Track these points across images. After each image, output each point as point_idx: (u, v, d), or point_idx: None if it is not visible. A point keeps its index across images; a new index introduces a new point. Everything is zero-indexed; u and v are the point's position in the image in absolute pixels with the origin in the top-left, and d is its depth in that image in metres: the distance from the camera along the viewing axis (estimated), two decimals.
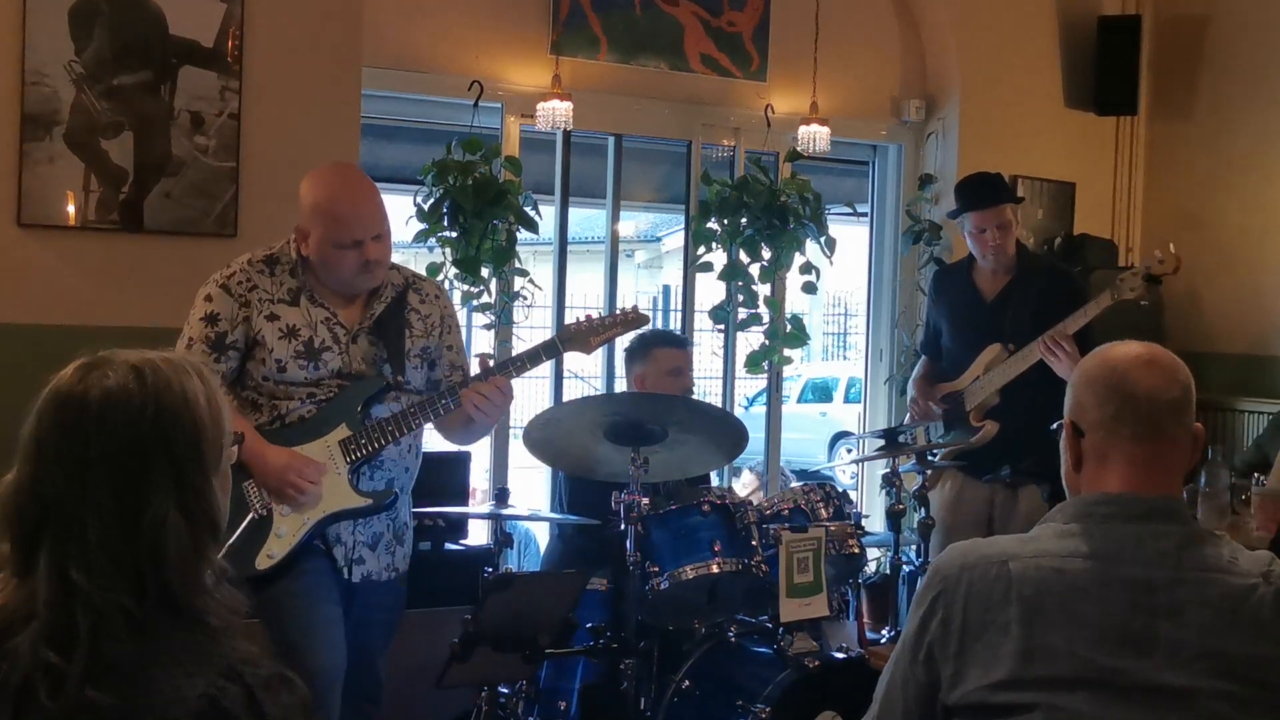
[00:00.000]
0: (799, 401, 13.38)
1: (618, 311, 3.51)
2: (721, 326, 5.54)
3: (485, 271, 4.75)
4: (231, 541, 2.68)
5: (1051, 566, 1.83)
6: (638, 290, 14.99)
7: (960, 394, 4.49)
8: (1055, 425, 2.04)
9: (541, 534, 5.05)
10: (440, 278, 4.65)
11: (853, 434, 11.99)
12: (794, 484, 5.29)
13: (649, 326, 3.85)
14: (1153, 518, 1.85)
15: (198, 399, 1.54)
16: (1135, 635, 1.77)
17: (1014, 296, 4.44)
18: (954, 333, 4.61)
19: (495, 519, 3.91)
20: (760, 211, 5.27)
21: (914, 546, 4.64)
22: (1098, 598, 1.80)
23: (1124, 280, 4.23)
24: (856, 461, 4.90)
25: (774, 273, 5.41)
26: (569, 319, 3.59)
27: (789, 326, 5.50)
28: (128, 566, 1.46)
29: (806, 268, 5.49)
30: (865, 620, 4.79)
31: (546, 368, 5.36)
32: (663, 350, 4.28)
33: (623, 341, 4.19)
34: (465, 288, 4.73)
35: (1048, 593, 1.81)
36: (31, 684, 1.40)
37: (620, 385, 4.59)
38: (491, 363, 3.29)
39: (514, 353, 4.80)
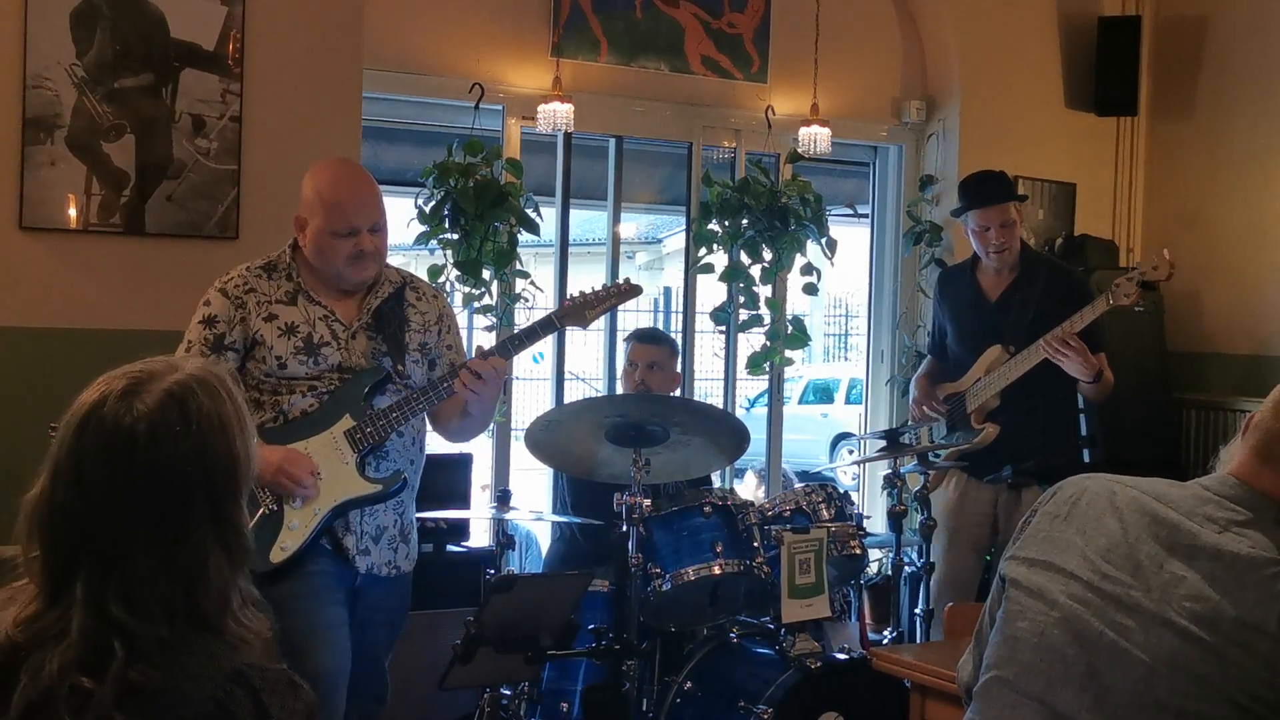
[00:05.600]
0: (800, 403, 13.36)
1: (611, 284, 3.53)
2: (723, 328, 5.54)
3: (486, 273, 4.76)
4: None
5: (1111, 488, 1.97)
6: None
7: (962, 395, 4.49)
8: None
9: (543, 535, 5.05)
10: (441, 280, 4.66)
11: (854, 435, 11.99)
12: (796, 485, 5.30)
13: (642, 326, 3.87)
14: (1238, 500, 1.89)
15: (235, 429, 1.55)
16: (1140, 559, 1.87)
17: (1016, 297, 4.44)
18: (957, 334, 4.60)
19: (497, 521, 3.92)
20: (761, 213, 5.27)
21: (915, 547, 4.64)
22: (1126, 520, 1.91)
23: (1119, 285, 4.20)
24: (858, 463, 4.90)
25: (775, 274, 5.42)
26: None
27: (790, 328, 5.50)
28: (166, 598, 1.47)
29: (807, 269, 5.49)
30: (867, 621, 4.80)
31: (548, 369, 5.39)
32: (634, 346, 4.37)
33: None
34: (467, 290, 4.73)
35: (1093, 504, 1.96)
36: (52, 703, 1.41)
37: (620, 386, 4.60)
38: (488, 346, 3.33)
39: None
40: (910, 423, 4.74)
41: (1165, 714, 1.78)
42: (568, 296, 3.50)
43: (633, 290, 3.53)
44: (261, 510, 3.07)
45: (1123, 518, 1.92)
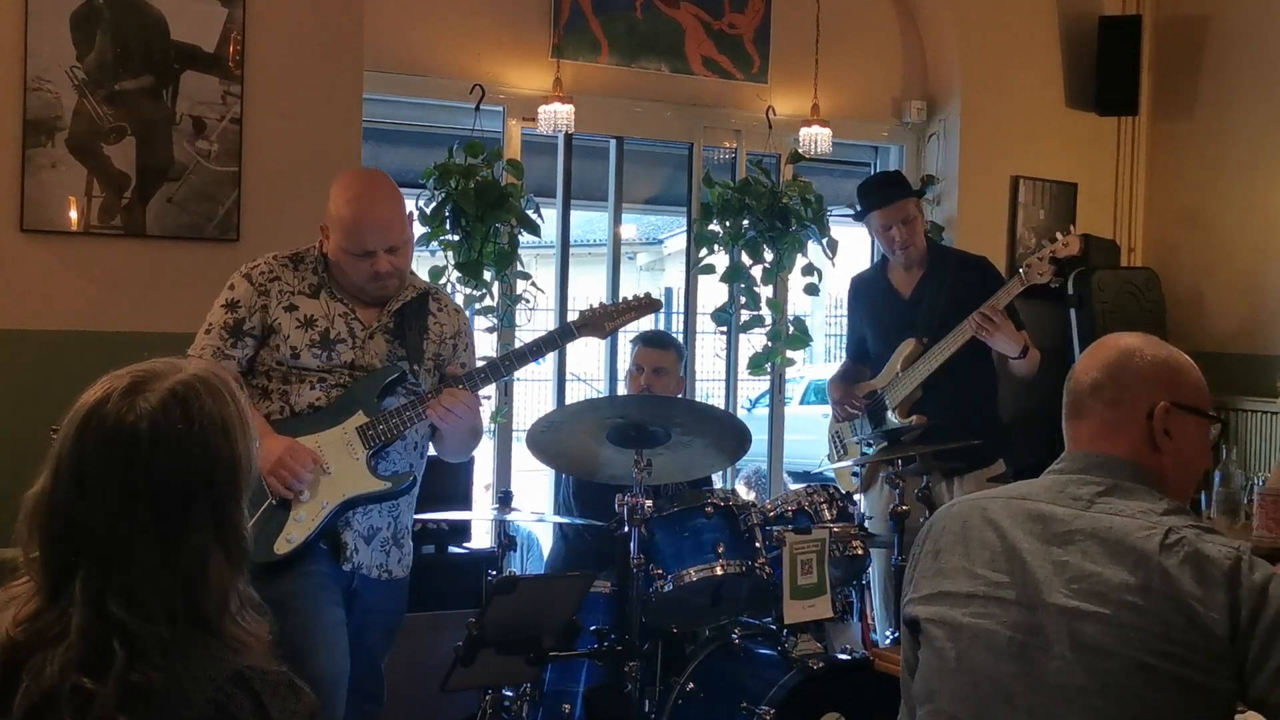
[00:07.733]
0: (802, 403, 13.33)
1: (631, 297, 3.54)
2: (724, 328, 5.54)
3: (488, 275, 4.76)
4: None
5: (980, 505, 2.03)
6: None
7: (879, 392, 4.54)
8: None
9: (545, 537, 5.05)
10: (442, 281, 4.67)
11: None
12: (790, 486, 5.30)
13: (647, 329, 3.87)
14: (1088, 470, 1.98)
15: (237, 431, 1.55)
16: (1023, 557, 1.93)
17: (926, 290, 4.52)
18: (877, 334, 4.66)
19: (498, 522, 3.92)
20: (762, 213, 5.27)
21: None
22: (1001, 527, 1.97)
23: (1031, 265, 4.31)
24: (858, 463, 4.90)
25: (776, 274, 5.42)
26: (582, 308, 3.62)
27: (791, 328, 5.50)
28: (166, 598, 1.47)
29: (809, 269, 5.49)
30: (869, 622, 4.79)
31: (549, 370, 5.39)
32: (640, 349, 4.39)
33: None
34: (468, 291, 4.73)
35: (969, 524, 2.02)
36: (54, 703, 1.41)
37: (623, 388, 4.61)
38: (478, 363, 3.32)
39: None
40: (833, 423, 4.77)
41: (1091, 696, 1.82)
42: (589, 306, 3.50)
43: (653, 304, 3.54)
44: (269, 500, 3.07)
45: (998, 526, 1.98)
